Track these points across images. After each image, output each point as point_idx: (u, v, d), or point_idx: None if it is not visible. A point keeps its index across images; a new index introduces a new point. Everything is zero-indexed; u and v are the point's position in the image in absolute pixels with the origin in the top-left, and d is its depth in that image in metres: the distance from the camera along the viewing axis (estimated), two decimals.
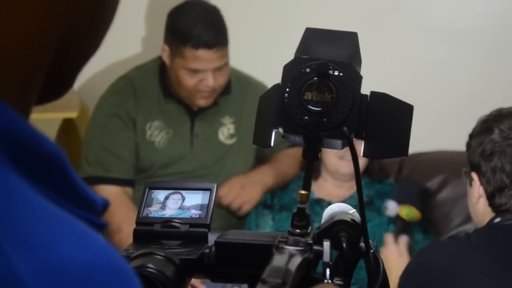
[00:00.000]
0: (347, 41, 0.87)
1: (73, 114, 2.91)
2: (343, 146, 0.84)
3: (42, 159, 0.46)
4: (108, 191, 2.56)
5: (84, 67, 0.55)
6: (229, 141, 2.75)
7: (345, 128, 0.80)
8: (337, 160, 2.67)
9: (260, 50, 3.06)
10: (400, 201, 2.57)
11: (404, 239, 2.47)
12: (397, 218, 2.55)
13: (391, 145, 0.85)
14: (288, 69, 0.83)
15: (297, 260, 0.68)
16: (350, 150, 0.81)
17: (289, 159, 2.77)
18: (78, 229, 0.44)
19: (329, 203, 2.87)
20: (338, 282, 0.76)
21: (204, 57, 2.55)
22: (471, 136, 1.88)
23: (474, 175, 1.85)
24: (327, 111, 0.80)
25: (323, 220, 0.86)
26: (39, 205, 0.44)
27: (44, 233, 0.42)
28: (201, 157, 2.71)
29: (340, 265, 0.81)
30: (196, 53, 2.55)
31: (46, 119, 3.03)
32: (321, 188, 2.70)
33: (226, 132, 2.75)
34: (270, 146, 0.86)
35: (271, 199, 2.71)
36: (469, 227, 2.64)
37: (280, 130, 0.83)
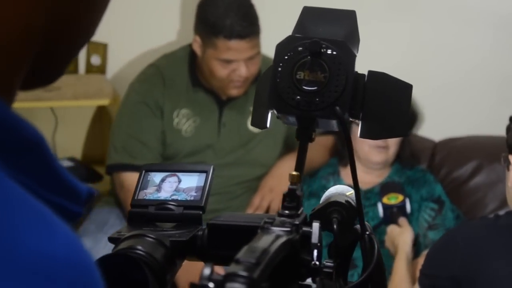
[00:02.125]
0: (345, 20, 0.84)
1: (105, 102, 2.93)
2: (339, 127, 0.82)
3: (21, 144, 0.45)
4: (135, 178, 2.56)
5: (76, 55, 0.55)
6: (258, 130, 2.73)
7: (337, 107, 0.78)
8: (369, 149, 2.64)
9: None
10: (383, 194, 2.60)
11: (402, 219, 2.52)
12: (385, 208, 2.55)
13: (390, 125, 0.83)
14: (281, 48, 0.81)
15: (280, 241, 0.67)
16: (342, 130, 0.79)
17: (318, 146, 2.75)
18: (43, 219, 0.44)
19: None
20: (329, 263, 0.75)
21: (237, 48, 2.54)
22: None
23: (511, 158, 1.82)
24: (319, 91, 0.78)
25: (321, 202, 0.85)
26: (1, 193, 0.43)
27: (1, 222, 0.42)
28: (227, 146, 2.70)
29: (334, 248, 0.79)
30: (228, 44, 2.53)
31: (80, 107, 3.06)
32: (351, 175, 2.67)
33: None
34: (267, 127, 0.85)
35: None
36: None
37: (274, 111, 0.82)
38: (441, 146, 2.94)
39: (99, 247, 2.47)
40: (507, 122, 1.88)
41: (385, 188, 2.62)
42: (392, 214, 2.54)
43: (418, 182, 2.68)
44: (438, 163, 2.90)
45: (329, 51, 0.79)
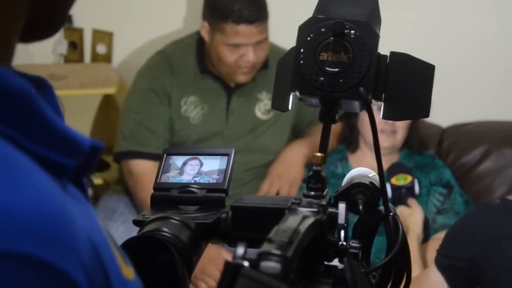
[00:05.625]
0: (366, 1, 0.84)
1: (111, 90, 2.93)
2: (361, 108, 0.82)
3: (3, 95, 0.44)
4: (143, 166, 2.58)
5: (71, 7, 0.54)
6: (265, 117, 2.74)
7: (361, 88, 0.78)
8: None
9: (299, 23, 3.02)
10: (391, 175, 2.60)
11: (411, 200, 2.53)
12: (393, 189, 2.55)
13: (412, 106, 0.82)
14: (304, 29, 0.81)
15: (309, 221, 0.67)
16: (367, 111, 0.79)
17: None
18: (14, 170, 0.42)
19: None
20: (355, 244, 0.75)
21: (245, 32, 2.55)
22: None
23: None
24: (343, 72, 0.78)
25: (343, 184, 0.85)
26: None
27: None
28: (236, 133, 2.70)
29: (359, 229, 0.79)
30: (237, 29, 2.54)
31: (86, 95, 3.06)
32: (359, 160, 2.67)
33: (262, 107, 2.74)
34: (288, 109, 0.85)
35: (308, 172, 2.69)
36: None
37: (297, 93, 0.82)
38: (449, 132, 2.94)
39: None
40: None
41: (393, 169, 2.61)
42: (401, 195, 2.53)
43: (427, 167, 2.68)
44: (446, 149, 2.90)
45: (352, 32, 0.79)
